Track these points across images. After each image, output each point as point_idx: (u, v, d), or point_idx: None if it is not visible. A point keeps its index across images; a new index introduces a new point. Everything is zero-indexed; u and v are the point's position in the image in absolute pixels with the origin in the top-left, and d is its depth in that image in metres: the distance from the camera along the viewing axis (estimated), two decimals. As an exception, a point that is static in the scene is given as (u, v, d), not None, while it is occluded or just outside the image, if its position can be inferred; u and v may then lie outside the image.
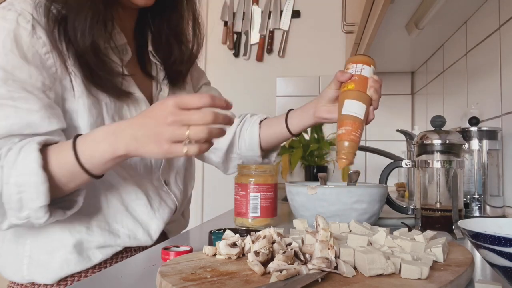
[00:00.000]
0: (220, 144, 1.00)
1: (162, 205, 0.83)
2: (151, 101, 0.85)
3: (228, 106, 0.62)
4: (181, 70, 0.91)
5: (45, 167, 0.61)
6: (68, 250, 0.72)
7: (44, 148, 0.62)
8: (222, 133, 0.62)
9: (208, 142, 0.61)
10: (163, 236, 0.90)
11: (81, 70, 0.70)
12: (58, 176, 0.62)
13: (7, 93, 0.63)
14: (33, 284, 0.74)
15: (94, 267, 0.75)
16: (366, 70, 0.79)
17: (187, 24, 0.90)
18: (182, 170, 0.93)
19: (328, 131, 2.12)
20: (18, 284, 0.75)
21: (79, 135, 0.64)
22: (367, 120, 0.77)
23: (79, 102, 0.71)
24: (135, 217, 0.78)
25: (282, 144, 1.05)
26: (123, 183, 0.77)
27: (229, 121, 0.62)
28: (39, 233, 0.73)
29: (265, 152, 1.00)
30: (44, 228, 0.72)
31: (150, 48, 0.87)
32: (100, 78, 0.71)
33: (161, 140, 0.59)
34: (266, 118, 0.99)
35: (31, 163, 0.60)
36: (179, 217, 0.94)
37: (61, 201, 0.67)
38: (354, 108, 0.76)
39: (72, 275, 0.74)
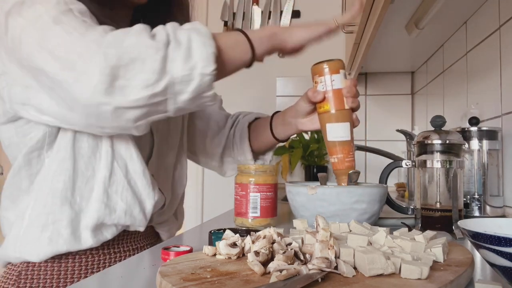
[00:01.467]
0: (215, 147, 0.99)
1: (157, 191, 0.81)
2: None
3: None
4: None
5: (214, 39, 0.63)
6: (63, 224, 0.71)
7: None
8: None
9: None
10: (156, 236, 0.90)
11: None
12: (222, 45, 0.64)
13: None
14: (25, 263, 0.73)
15: (85, 251, 0.74)
16: (337, 80, 0.75)
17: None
18: (171, 169, 0.92)
19: (328, 131, 2.12)
20: (13, 265, 0.74)
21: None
22: (353, 127, 0.77)
23: None
24: (135, 192, 0.77)
25: (282, 144, 1.05)
26: (131, 157, 0.76)
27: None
28: (38, 207, 0.71)
29: (258, 154, 0.99)
30: (45, 201, 0.71)
31: None
32: None
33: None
34: (255, 119, 0.98)
35: (200, 25, 0.63)
36: (171, 217, 0.93)
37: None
38: (338, 132, 0.73)
39: (60, 255, 0.73)
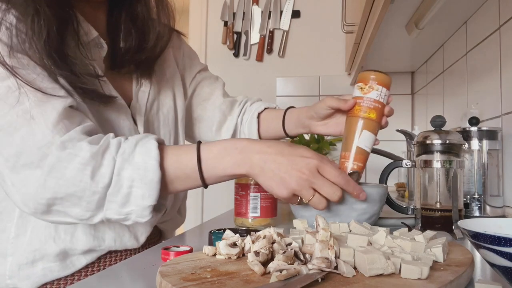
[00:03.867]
0: (222, 136, 0.99)
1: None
2: (130, 98, 0.80)
3: (358, 197, 0.66)
4: (148, 60, 0.82)
5: (162, 165, 0.60)
6: (51, 259, 0.71)
7: (160, 146, 0.62)
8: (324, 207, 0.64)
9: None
10: (158, 235, 0.90)
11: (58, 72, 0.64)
12: (170, 175, 0.61)
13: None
14: None
15: (79, 270, 0.74)
16: (387, 96, 0.74)
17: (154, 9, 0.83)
18: None
19: (328, 131, 2.12)
20: None
21: (200, 142, 0.64)
22: None
23: None
24: None
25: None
26: None
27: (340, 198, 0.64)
28: (22, 244, 0.71)
29: None
30: (28, 238, 0.71)
31: (121, 44, 0.79)
32: (79, 81, 0.66)
33: (286, 186, 0.61)
34: (265, 109, 0.98)
35: (151, 160, 0.59)
36: (174, 215, 0.93)
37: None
38: (369, 142, 0.73)
39: (58, 278, 0.73)
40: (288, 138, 0.98)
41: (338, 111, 0.83)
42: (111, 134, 0.63)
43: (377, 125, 0.74)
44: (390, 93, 0.75)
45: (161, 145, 0.63)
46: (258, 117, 0.97)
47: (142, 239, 0.79)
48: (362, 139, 0.72)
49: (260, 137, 0.96)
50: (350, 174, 0.88)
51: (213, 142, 0.65)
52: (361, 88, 0.74)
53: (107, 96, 0.71)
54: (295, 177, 0.61)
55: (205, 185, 0.64)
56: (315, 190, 0.62)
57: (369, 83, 0.73)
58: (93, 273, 0.75)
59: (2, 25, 0.60)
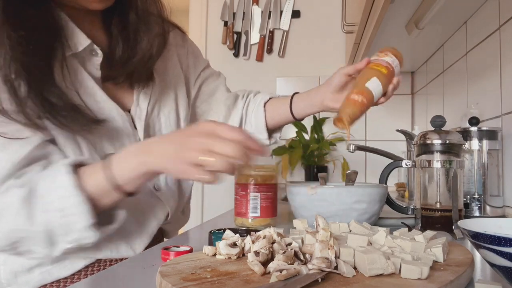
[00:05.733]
0: None
1: (150, 219, 0.80)
2: (131, 101, 0.79)
3: (261, 152, 0.59)
4: (142, 67, 0.80)
5: (81, 187, 0.60)
6: (48, 263, 0.72)
7: (74, 170, 0.62)
8: (233, 170, 0.57)
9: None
10: (160, 235, 0.90)
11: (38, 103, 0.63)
12: (94, 195, 0.62)
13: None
14: None
15: (79, 271, 0.74)
16: (398, 68, 0.83)
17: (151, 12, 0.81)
18: None
19: (328, 131, 2.12)
20: None
21: (108, 154, 0.65)
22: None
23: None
24: (119, 230, 0.72)
25: (282, 144, 1.04)
26: None
27: (248, 160, 0.57)
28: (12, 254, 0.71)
29: (271, 133, 0.99)
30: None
31: (116, 51, 0.78)
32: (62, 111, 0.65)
33: (180, 159, 0.57)
34: (270, 98, 0.98)
35: (67, 186, 0.60)
36: (178, 215, 0.93)
37: (103, 216, 0.66)
38: (377, 89, 0.79)
39: (58, 280, 0.73)
40: (279, 144, 0.97)
41: (352, 79, 0.85)
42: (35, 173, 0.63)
43: (386, 81, 0.80)
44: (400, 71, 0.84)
45: (75, 167, 0.63)
46: (264, 106, 0.97)
47: (139, 249, 0.78)
48: (371, 82, 0.78)
49: (267, 125, 0.96)
50: (348, 174, 0.88)
51: (122, 150, 0.64)
52: (378, 54, 0.83)
53: (97, 121, 0.70)
54: (192, 144, 0.57)
55: (127, 194, 0.64)
56: (212, 153, 0.56)
57: (385, 51, 0.83)
58: (93, 273, 0.75)
59: None
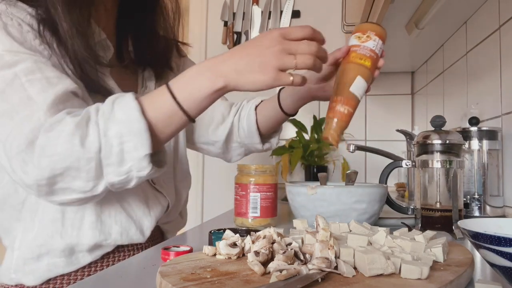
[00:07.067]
0: (218, 135, 0.98)
1: (155, 202, 0.82)
2: None
3: (323, 40, 0.65)
4: (165, 61, 0.89)
5: (144, 114, 0.59)
6: (56, 254, 0.72)
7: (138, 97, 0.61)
8: (324, 61, 0.64)
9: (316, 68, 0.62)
10: (160, 236, 0.90)
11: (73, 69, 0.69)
12: (155, 122, 0.60)
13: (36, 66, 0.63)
14: (21, 285, 0.73)
15: (84, 267, 0.74)
16: (382, 48, 0.74)
17: (166, 12, 0.89)
18: (171, 169, 0.90)
19: (328, 131, 2.11)
20: (7, 285, 0.75)
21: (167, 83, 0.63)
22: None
23: None
24: (128, 212, 0.77)
25: (282, 144, 1.04)
26: None
27: (325, 55, 0.64)
28: (28, 239, 0.72)
29: (265, 137, 0.98)
30: (35, 233, 0.71)
31: (130, 47, 0.87)
32: (89, 75, 0.70)
33: (268, 68, 0.58)
34: (261, 101, 0.97)
35: (131, 110, 0.58)
36: (177, 217, 0.93)
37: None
38: (361, 89, 0.71)
39: (62, 275, 0.73)
40: (279, 144, 0.96)
41: (335, 70, 0.79)
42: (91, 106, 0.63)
43: (371, 74, 0.72)
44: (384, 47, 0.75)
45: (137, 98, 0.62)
46: (256, 109, 0.96)
47: (148, 233, 0.80)
48: (355, 84, 0.70)
49: (258, 128, 0.94)
50: (348, 174, 0.88)
51: (178, 76, 0.63)
52: (359, 37, 0.73)
53: (108, 90, 0.73)
54: (270, 54, 0.59)
55: (190, 118, 0.62)
56: (295, 55, 0.60)
57: (367, 33, 0.73)
58: (96, 271, 0.75)
59: (14, 20, 0.64)
